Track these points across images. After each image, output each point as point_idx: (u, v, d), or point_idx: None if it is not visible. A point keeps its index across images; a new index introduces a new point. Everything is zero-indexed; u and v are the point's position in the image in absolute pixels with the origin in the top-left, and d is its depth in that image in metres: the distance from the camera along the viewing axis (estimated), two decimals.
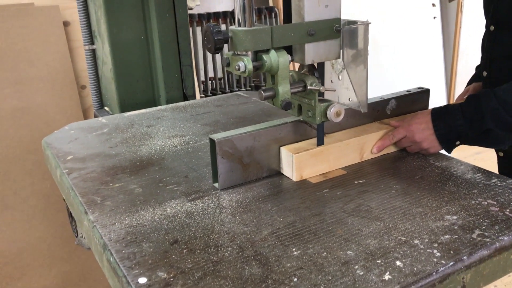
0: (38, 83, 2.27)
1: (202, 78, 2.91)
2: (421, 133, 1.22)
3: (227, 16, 2.89)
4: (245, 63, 0.97)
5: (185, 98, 1.92)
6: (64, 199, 1.58)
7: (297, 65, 1.14)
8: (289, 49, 1.06)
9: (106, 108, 2.04)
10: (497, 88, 1.15)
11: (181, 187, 1.16)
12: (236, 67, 0.98)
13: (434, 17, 3.95)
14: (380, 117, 1.35)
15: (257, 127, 1.17)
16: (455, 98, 1.53)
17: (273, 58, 1.00)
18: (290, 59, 1.03)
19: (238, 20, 0.99)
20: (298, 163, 1.15)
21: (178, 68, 1.86)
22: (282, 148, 1.18)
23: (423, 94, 1.41)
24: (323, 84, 1.12)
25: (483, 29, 1.40)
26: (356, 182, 1.16)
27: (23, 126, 2.24)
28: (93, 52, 1.98)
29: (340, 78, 1.16)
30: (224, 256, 0.88)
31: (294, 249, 0.90)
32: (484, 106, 1.15)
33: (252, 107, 1.78)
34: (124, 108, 1.85)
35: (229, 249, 0.91)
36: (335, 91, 1.10)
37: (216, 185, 1.15)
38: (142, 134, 1.53)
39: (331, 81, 1.18)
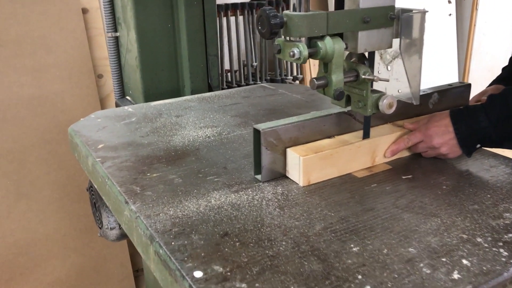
0: (55, 71, 2.22)
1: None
2: (440, 137, 1.14)
3: (245, 7, 2.84)
4: (301, 49, 0.93)
5: (210, 89, 1.87)
6: (88, 189, 1.54)
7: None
8: (340, 37, 1.01)
9: (128, 97, 1.99)
10: None
11: (222, 178, 1.12)
12: (291, 53, 0.94)
13: (450, 14, 3.91)
14: (423, 111, 1.30)
15: (301, 118, 1.13)
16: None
17: (329, 45, 0.96)
18: (345, 46, 0.98)
19: (293, 4, 0.94)
20: (306, 166, 1.07)
21: (204, 58, 1.82)
22: (288, 150, 1.10)
23: (465, 88, 1.37)
24: None
25: (498, 28, 1.33)
26: (403, 177, 1.12)
27: (39, 115, 2.19)
28: (116, 40, 1.93)
29: (389, 68, 1.12)
30: (280, 251, 0.84)
31: (352, 245, 0.86)
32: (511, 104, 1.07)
33: (280, 99, 1.74)
34: (148, 97, 1.80)
35: (284, 243, 0.87)
36: (388, 81, 1.06)
37: (258, 177, 1.11)
38: (172, 124, 1.49)
39: (378, 71, 1.14)
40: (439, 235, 0.89)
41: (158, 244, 0.87)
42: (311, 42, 0.97)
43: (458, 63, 4.09)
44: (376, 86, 1.13)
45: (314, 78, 0.99)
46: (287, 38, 0.97)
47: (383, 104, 1.04)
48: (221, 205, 1.00)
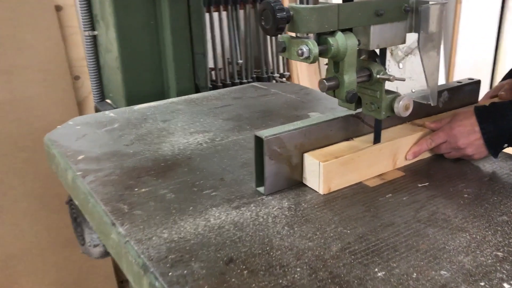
0: (28, 73, 2.06)
1: None
2: (466, 138, 1.05)
3: (229, 3, 2.72)
4: (310, 47, 0.82)
5: (197, 89, 1.75)
6: (68, 202, 1.41)
7: None
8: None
9: (108, 100, 1.85)
10: None
11: (220, 192, 1.00)
12: (299, 51, 0.82)
13: None
14: (432, 111, 1.21)
15: (307, 123, 1.02)
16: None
17: (341, 41, 0.85)
18: (358, 43, 0.87)
19: None
20: (327, 173, 0.97)
21: (190, 56, 1.69)
22: (306, 155, 1.00)
23: (474, 85, 1.28)
24: None
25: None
26: (420, 185, 1.02)
27: (12, 121, 2.03)
28: (94, 39, 1.79)
29: (401, 66, 1.02)
30: (295, 279, 0.73)
31: (376, 270, 0.75)
32: None
33: (274, 100, 1.62)
34: (130, 101, 1.67)
35: (298, 269, 0.76)
36: (405, 80, 0.95)
37: (261, 189, 0.99)
38: (159, 130, 1.36)
39: (389, 70, 1.04)
40: (471, 253, 0.79)
41: (153, 276, 0.75)
42: (320, 39, 0.86)
43: (444, 56, 4.04)
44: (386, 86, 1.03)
45: (324, 79, 0.88)
46: (294, 34, 0.86)
47: (400, 106, 0.93)
48: (222, 224, 0.88)
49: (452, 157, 1.11)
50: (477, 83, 1.28)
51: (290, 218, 0.90)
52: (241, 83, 2.82)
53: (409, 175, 1.07)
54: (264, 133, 0.96)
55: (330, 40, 0.85)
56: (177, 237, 0.85)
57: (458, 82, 1.27)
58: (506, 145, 1.05)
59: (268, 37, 2.87)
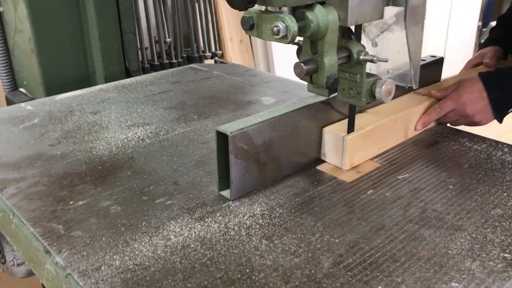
0: None
1: None
2: (474, 104, 1.05)
3: None
4: (288, 24, 0.67)
5: (128, 74, 1.54)
6: None
7: None
8: None
9: (22, 89, 1.59)
10: None
11: (176, 199, 0.84)
12: (275, 29, 0.67)
13: None
14: (398, 92, 1.12)
15: (274, 113, 0.87)
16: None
17: (321, 16, 0.71)
18: (338, 17, 0.74)
19: None
20: (351, 147, 0.92)
21: (118, 36, 1.48)
22: (325, 129, 0.95)
23: (438, 63, 1.21)
24: None
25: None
26: (399, 177, 0.92)
27: None
28: (0, 17, 1.51)
29: (375, 45, 0.91)
30: None
31: (380, 287, 0.64)
32: None
33: (219, 84, 1.46)
34: (50, 89, 1.43)
35: None
36: (388, 61, 0.83)
37: (226, 193, 0.84)
38: (90, 124, 1.16)
39: None
40: (477, 258, 0.70)
41: None
42: (296, 14, 0.71)
43: None
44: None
45: (301, 62, 0.74)
46: (264, 8, 0.70)
47: (382, 91, 0.82)
48: (186, 242, 0.73)
49: (459, 124, 1.11)
50: (441, 60, 1.21)
51: (266, 228, 0.76)
52: (170, 64, 2.62)
53: (385, 166, 0.96)
54: (228, 128, 0.80)
55: (309, 15, 0.70)
56: (133, 264, 0.68)
57: (422, 60, 1.18)
58: (511, 109, 1.06)
59: (198, 12, 2.67)
